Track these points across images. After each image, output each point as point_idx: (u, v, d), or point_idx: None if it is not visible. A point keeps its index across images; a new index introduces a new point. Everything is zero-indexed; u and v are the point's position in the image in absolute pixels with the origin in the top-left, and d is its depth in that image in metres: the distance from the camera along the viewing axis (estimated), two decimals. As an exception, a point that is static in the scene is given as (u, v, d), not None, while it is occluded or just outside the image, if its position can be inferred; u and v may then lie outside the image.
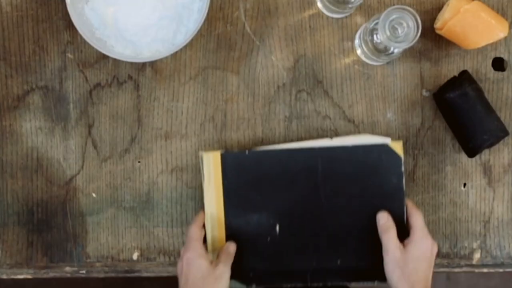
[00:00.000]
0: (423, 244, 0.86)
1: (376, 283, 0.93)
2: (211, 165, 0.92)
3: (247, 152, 0.93)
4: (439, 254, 0.96)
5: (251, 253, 0.92)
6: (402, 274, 0.84)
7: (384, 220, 0.89)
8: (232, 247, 0.91)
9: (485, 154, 0.97)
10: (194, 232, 0.89)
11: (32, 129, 0.97)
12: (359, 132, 0.97)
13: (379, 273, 0.89)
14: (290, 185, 0.92)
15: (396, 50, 0.90)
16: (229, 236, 0.92)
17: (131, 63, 0.96)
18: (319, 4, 0.96)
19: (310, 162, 0.92)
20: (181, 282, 0.87)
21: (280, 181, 0.92)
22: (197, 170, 0.97)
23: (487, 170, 0.98)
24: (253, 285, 0.93)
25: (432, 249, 0.86)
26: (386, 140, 0.92)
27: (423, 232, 0.87)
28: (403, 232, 0.89)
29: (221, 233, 0.93)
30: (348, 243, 0.92)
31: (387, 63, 0.97)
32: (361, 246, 0.92)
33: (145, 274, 0.98)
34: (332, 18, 0.97)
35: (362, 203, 0.92)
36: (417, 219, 0.88)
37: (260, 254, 0.92)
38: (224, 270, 0.87)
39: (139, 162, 0.97)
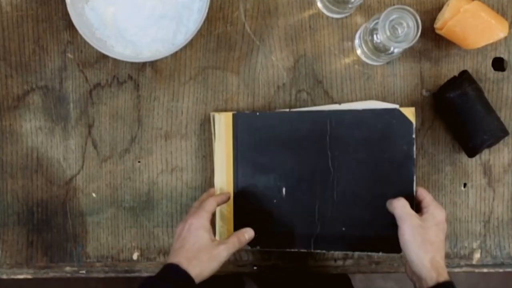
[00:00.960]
0: (438, 214, 0.84)
1: (380, 253, 0.91)
2: (223, 125, 0.93)
3: (258, 113, 0.93)
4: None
5: (257, 214, 0.92)
6: (423, 240, 0.81)
7: (396, 199, 0.85)
8: (248, 234, 0.87)
9: (485, 154, 0.97)
10: (210, 204, 0.87)
11: (32, 129, 0.97)
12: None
13: (384, 245, 0.88)
14: (299, 148, 0.92)
15: (396, 50, 0.90)
16: (237, 197, 0.93)
17: (131, 63, 0.96)
18: (319, 4, 0.96)
19: (319, 124, 0.91)
20: (176, 244, 0.84)
21: (289, 144, 0.92)
22: (197, 170, 0.97)
23: (487, 170, 0.98)
24: (257, 247, 0.93)
25: (445, 219, 0.85)
26: (396, 106, 0.90)
27: (436, 203, 0.86)
28: (412, 207, 0.85)
29: (229, 193, 0.93)
30: (354, 210, 0.90)
31: (387, 63, 0.97)
32: (367, 215, 0.90)
33: (145, 274, 0.98)
34: (332, 18, 0.96)
35: (371, 170, 0.90)
36: (430, 196, 0.87)
37: (265, 216, 0.92)
38: (222, 254, 0.82)
39: (139, 162, 0.97)
